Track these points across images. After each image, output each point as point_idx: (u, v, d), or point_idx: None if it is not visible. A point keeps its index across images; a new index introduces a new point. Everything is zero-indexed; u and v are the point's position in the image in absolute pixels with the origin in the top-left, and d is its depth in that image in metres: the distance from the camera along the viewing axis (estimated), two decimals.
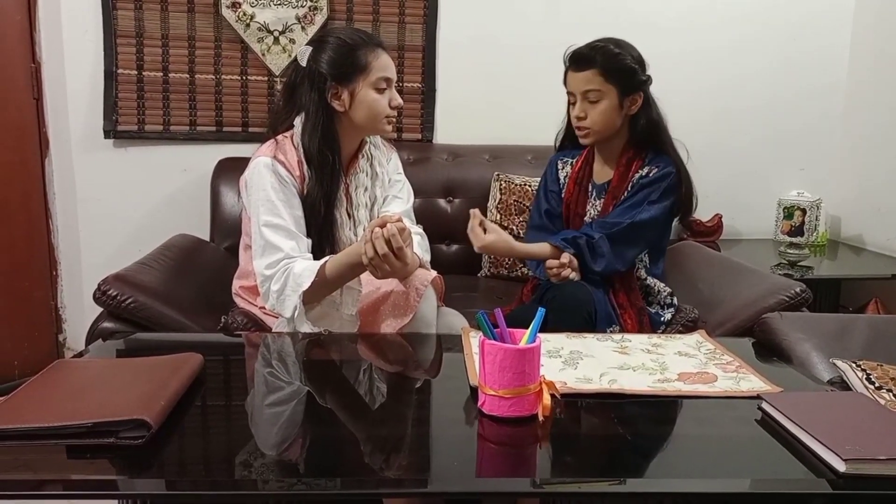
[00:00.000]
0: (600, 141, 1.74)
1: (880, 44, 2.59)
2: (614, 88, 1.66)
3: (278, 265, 1.49)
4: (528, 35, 2.60)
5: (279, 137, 1.63)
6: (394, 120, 1.65)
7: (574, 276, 1.65)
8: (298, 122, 1.63)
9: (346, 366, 1.40)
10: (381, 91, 1.60)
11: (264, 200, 1.54)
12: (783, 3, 2.67)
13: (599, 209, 1.77)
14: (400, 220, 1.38)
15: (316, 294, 1.47)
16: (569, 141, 1.85)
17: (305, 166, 1.59)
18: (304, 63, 1.62)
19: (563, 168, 1.85)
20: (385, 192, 1.74)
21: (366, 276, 1.50)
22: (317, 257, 1.54)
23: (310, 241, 1.56)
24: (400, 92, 2.53)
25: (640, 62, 1.71)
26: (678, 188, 1.72)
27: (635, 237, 1.70)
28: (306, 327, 1.47)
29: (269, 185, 1.54)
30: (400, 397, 1.22)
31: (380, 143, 1.78)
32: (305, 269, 1.46)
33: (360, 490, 0.88)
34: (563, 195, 1.83)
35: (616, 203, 1.73)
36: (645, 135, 1.73)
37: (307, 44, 1.66)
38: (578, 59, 1.69)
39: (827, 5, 2.69)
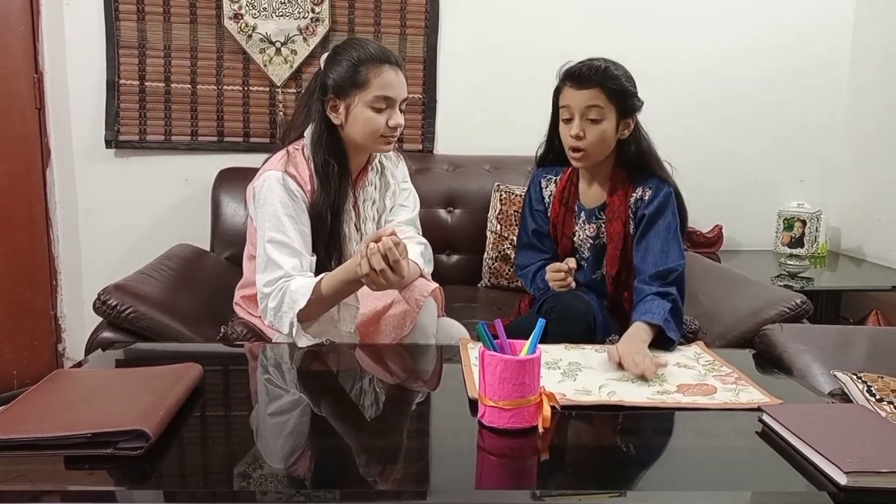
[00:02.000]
0: (593, 164, 1.67)
1: (880, 55, 2.61)
2: (614, 110, 1.60)
3: (276, 283, 1.47)
4: (529, 46, 2.61)
5: (290, 149, 1.60)
6: (392, 140, 1.58)
7: (573, 284, 1.64)
8: (308, 132, 1.61)
9: (346, 377, 1.40)
10: (378, 110, 1.53)
11: (271, 216, 1.51)
12: (782, 13, 2.68)
13: (591, 233, 1.72)
14: (394, 233, 1.36)
15: (313, 311, 1.46)
16: (551, 156, 1.78)
17: (316, 179, 1.57)
18: (322, 68, 1.60)
19: (547, 186, 1.79)
20: (393, 202, 1.72)
21: (364, 292, 1.49)
22: (322, 272, 1.53)
23: (314, 258, 1.55)
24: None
25: (634, 84, 1.65)
26: (679, 204, 1.68)
27: (685, 276, 1.64)
28: (304, 341, 1.46)
29: (279, 200, 1.52)
30: (399, 408, 1.21)
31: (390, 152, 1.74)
32: (301, 286, 1.45)
33: (358, 502, 0.88)
34: (548, 214, 1.77)
35: (634, 234, 1.66)
36: (634, 160, 1.67)
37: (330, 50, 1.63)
38: (581, 77, 1.61)
39: (826, 15, 2.70)
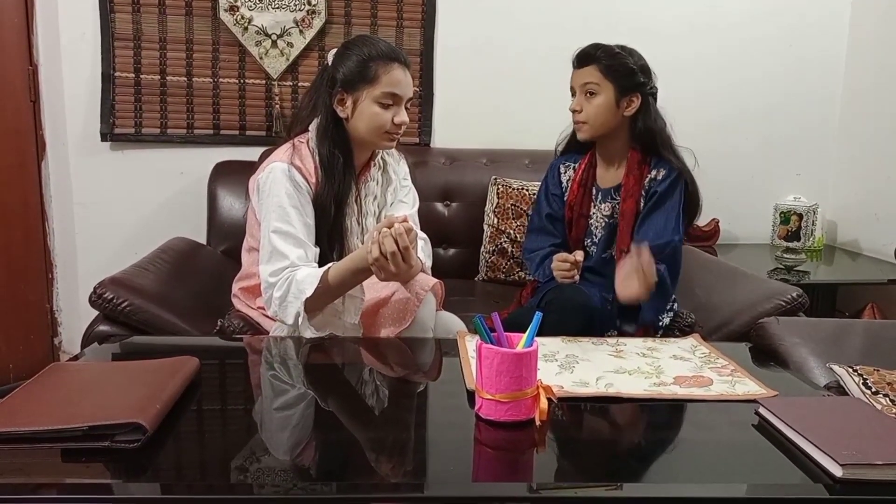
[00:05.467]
0: (595, 137, 1.75)
1: (877, 50, 2.61)
2: (612, 85, 1.70)
3: (282, 273, 1.47)
4: (526, 40, 2.61)
5: (296, 142, 1.62)
6: (396, 137, 1.60)
7: (577, 278, 1.66)
8: (314, 126, 1.62)
9: (343, 370, 1.40)
10: (385, 106, 1.55)
11: (276, 207, 1.52)
12: (780, 9, 2.68)
13: (606, 212, 1.78)
14: (406, 220, 1.37)
15: (319, 301, 1.46)
16: (573, 147, 1.86)
17: (321, 171, 1.58)
18: (329, 63, 1.61)
19: (566, 172, 1.86)
20: (394, 198, 1.74)
21: (368, 283, 1.50)
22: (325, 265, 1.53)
23: (318, 250, 1.55)
24: None
25: (643, 67, 1.74)
26: (687, 191, 1.74)
27: (681, 254, 1.71)
28: (309, 333, 1.46)
29: (284, 191, 1.52)
30: (396, 401, 1.21)
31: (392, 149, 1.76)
32: (308, 275, 1.45)
33: (355, 494, 0.88)
34: (565, 198, 1.83)
35: (642, 210, 1.73)
36: (644, 140, 1.74)
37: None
38: (582, 57, 1.74)
39: (824, 12, 2.70)
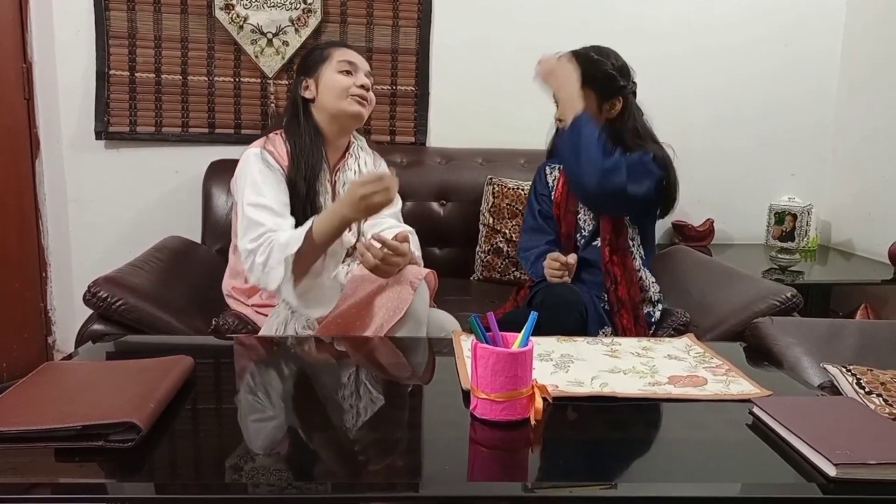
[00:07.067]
0: None
1: (871, 50, 2.62)
2: (592, 93, 1.70)
3: (261, 238, 1.51)
4: (522, 39, 2.60)
5: (271, 134, 1.73)
6: (363, 101, 1.70)
7: (568, 280, 1.67)
8: (285, 121, 1.73)
9: (338, 369, 1.39)
10: (345, 73, 1.69)
11: (250, 183, 1.59)
12: (775, 9, 2.69)
13: None
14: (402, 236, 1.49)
15: (302, 263, 1.50)
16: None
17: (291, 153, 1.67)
18: (296, 75, 1.78)
19: (551, 173, 1.91)
20: None
21: (360, 277, 1.51)
22: None
23: (293, 220, 1.59)
24: (393, 95, 2.57)
25: (621, 69, 1.74)
26: (661, 167, 1.73)
27: (646, 169, 1.69)
28: (292, 299, 1.49)
29: (257, 170, 1.61)
30: (391, 401, 1.21)
31: (366, 146, 1.84)
32: (290, 237, 1.49)
33: (350, 494, 0.88)
34: (553, 196, 1.87)
35: None
36: (627, 139, 1.74)
37: None
38: None
39: (818, 12, 2.71)
